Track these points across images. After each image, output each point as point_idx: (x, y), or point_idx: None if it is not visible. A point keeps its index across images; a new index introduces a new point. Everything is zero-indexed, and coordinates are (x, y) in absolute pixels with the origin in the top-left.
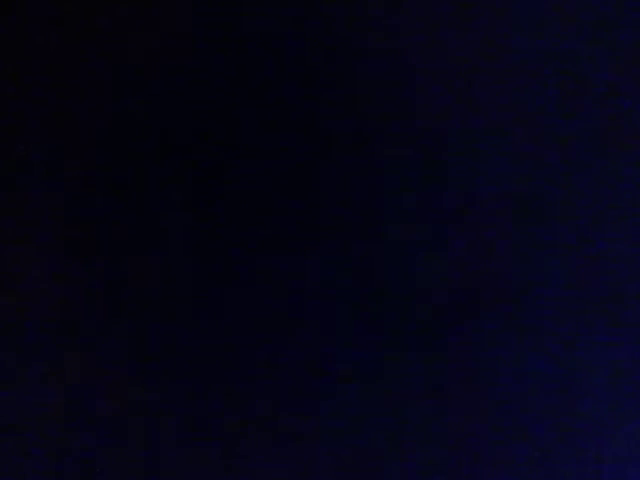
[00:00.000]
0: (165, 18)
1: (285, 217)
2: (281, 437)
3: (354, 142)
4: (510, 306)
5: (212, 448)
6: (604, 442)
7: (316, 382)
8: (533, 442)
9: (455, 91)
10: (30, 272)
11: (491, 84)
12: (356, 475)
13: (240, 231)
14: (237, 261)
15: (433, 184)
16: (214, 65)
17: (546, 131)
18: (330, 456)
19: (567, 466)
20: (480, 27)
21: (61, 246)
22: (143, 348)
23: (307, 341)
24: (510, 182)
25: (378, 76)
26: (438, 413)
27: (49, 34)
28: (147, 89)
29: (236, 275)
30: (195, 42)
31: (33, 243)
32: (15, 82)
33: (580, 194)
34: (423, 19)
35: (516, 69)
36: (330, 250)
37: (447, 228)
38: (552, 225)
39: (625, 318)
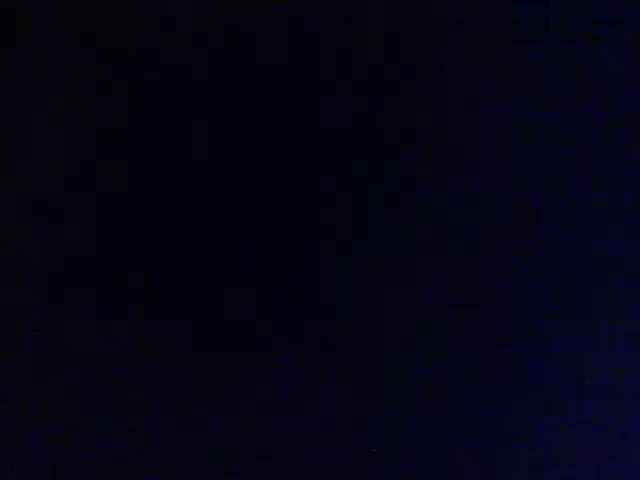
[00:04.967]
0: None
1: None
2: (279, 437)
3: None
4: (510, 304)
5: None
6: (604, 442)
7: (313, 382)
8: (533, 442)
9: (454, 91)
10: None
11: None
12: (355, 474)
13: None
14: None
15: (433, 184)
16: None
17: (546, 131)
18: (329, 456)
19: (567, 466)
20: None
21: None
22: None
23: (306, 341)
24: (510, 182)
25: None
26: (438, 413)
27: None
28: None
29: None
30: None
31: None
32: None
33: (580, 194)
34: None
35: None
36: (329, 249)
37: (447, 228)
38: (552, 225)
39: (625, 319)
